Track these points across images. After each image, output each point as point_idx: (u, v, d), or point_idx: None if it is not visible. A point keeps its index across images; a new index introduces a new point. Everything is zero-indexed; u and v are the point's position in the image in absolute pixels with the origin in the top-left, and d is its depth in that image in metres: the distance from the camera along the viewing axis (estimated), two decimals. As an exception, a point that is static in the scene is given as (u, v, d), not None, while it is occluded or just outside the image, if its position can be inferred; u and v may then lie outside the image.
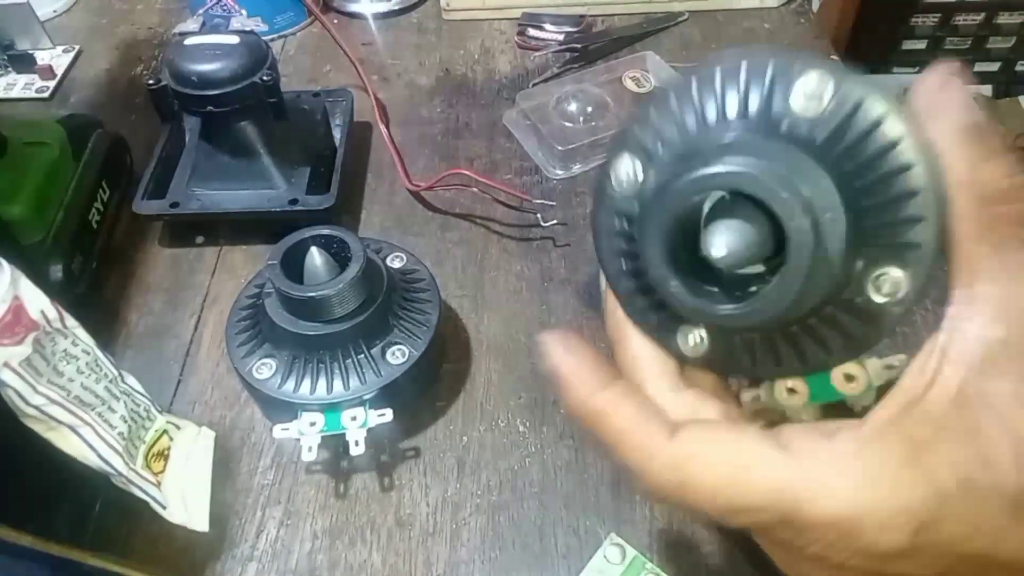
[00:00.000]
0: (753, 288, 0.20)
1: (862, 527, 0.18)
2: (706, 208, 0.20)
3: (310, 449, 0.37)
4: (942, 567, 0.18)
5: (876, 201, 0.19)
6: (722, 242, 0.19)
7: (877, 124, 0.18)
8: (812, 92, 0.19)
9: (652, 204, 0.20)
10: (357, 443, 0.37)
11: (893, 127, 0.18)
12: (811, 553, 0.19)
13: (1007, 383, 0.18)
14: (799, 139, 0.19)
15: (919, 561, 0.18)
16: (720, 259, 0.19)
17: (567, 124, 0.56)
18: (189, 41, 0.47)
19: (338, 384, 0.37)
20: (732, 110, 0.20)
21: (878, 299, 0.19)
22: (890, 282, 0.19)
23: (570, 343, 0.22)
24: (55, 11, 0.72)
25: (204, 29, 0.49)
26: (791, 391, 0.22)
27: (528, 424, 0.42)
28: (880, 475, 0.18)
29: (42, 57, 0.65)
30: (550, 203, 0.50)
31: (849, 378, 0.21)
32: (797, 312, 0.19)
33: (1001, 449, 0.17)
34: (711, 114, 0.21)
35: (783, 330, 0.21)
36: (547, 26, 0.66)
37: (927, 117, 0.19)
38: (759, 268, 0.20)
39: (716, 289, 0.20)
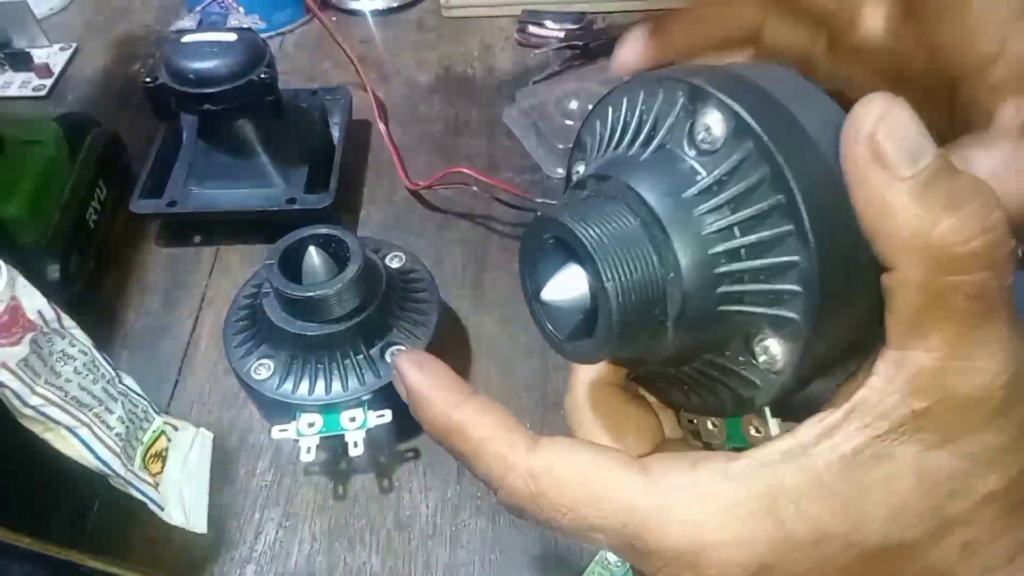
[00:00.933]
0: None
1: (702, 561, 0.18)
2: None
3: (308, 450, 0.36)
4: None
5: (753, 265, 0.17)
6: (552, 287, 0.19)
7: (761, 181, 0.17)
8: (708, 136, 0.18)
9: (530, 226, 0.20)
10: (356, 444, 0.37)
11: (779, 184, 0.17)
12: None
13: (910, 452, 0.17)
14: (677, 186, 0.18)
15: None
16: (548, 302, 0.19)
17: (568, 122, 0.56)
18: (186, 39, 0.47)
19: (337, 385, 0.37)
20: (631, 139, 0.19)
21: (757, 363, 0.18)
22: (767, 350, 0.18)
23: (424, 362, 0.22)
24: (52, 9, 0.71)
25: (201, 26, 0.49)
26: (714, 425, 0.22)
27: (528, 424, 0.41)
28: (732, 513, 0.18)
29: (39, 55, 0.65)
30: (551, 202, 0.50)
31: (756, 430, 0.21)
32: (646, 359, 0.19)
33: (877, 510, 0.17)
34: (615, 139, 0.20)
35: (677, 369, 0.20)
36: (548, 23, 0.66)
37: (866, 160, 0.16)
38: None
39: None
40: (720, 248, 0.17)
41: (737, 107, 0.17)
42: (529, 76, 0.63)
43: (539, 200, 0.49)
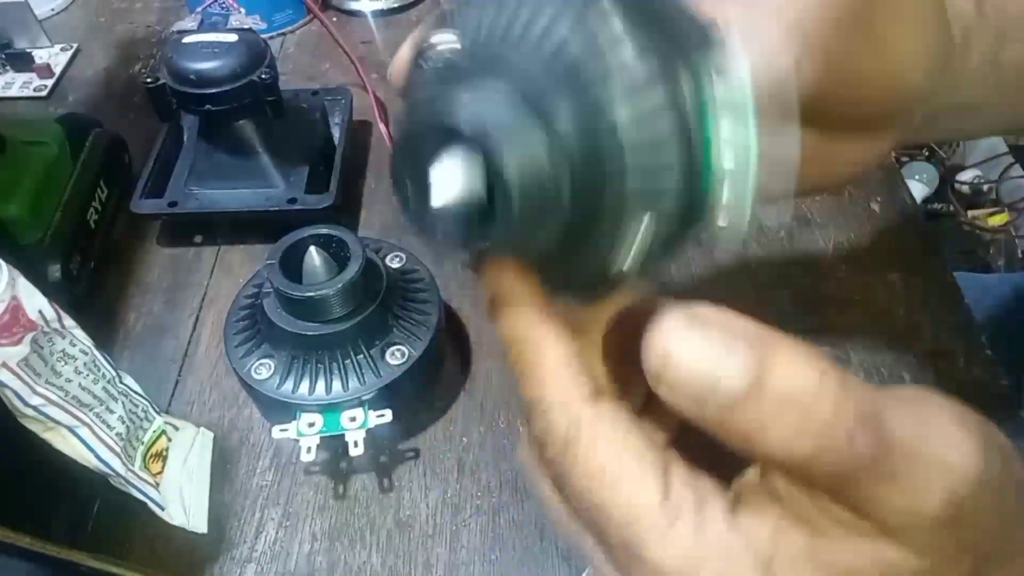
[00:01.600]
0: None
1: None
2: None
3: (309, 450, 0.36)
4: None
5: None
6: (437, 189, 0.16)
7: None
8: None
9: (409, 109, 0.18)
10: (356, 444, 0.37)
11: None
12: None
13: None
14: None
15: None
16: (441, 208, 0.16)
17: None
18: (187, 39, 0.47)
19: (337, 385, 0.37)
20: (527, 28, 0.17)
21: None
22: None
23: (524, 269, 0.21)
24: (53, 9, 0.71)
25: (202, 27, 0.49)
26: None
27: (528, 424, 0.41)
28: (729, 565, 0.18)
29: (40, 56, 0.65)
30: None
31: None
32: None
33: None
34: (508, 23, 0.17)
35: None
36: (547, 24, 0.66)
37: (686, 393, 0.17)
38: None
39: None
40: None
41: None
42: (529, 77, 0.63)
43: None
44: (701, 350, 0.16)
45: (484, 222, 0.17)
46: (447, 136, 0.16)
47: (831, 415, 0.16)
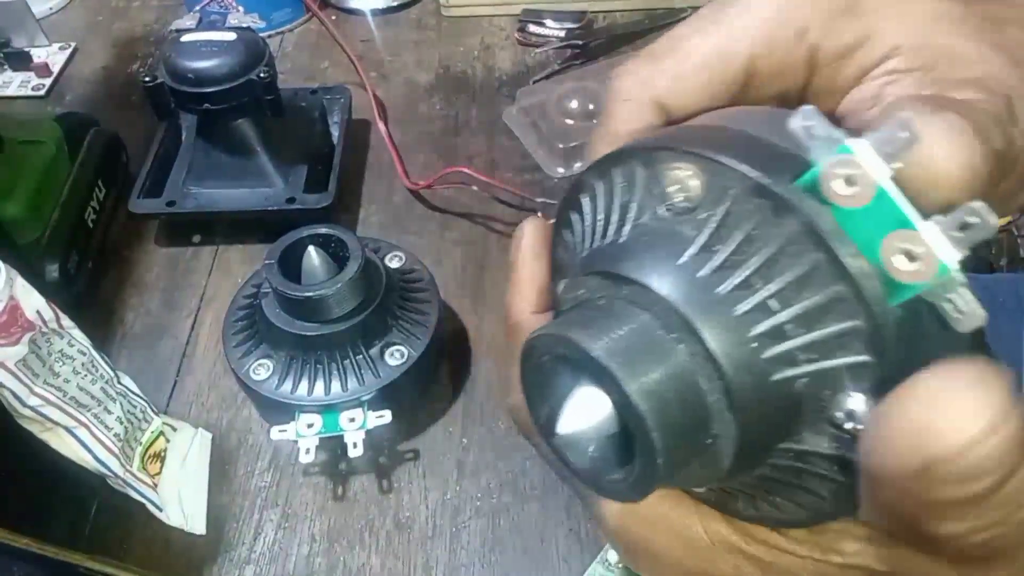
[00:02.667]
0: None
1: None
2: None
3: (308, 451, 0.36)
4: None
5: (808, 339, 0.14)
6: (567, 417, 0.15)
7: (790, 235, 0.14)
8: (682, 190, 0.15)
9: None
10: (355, 445, 0.36)
11: (813, 237, 0.14)
12: None
13: None
14: (676, 259, 0.15)
15: None
16: (567, 435, 0.15)
17: (568, 121, 0.56)
18: (186, 38, 0.47)
19: (336, 385, 0.37)
20: (608, 226, 0.17)
21: (842, 429, 0.14)
22: (849, 410, 0.14)
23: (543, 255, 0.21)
24: (51, 8, 0.71)
25: (201, 26, 0.49)
26: None
27: (528, 425, 0.41)
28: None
29: (38, 55, 0.65)
30: (551, 202, 0.50)
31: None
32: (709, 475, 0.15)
33: None
34: (594, 232, 0.17)
35: (739, 482, 0.16)
36: (548, 22, 0.66)
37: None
38: None
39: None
40: (760, 328, 0.14)
41: (705, 152, 0.15)
42: (529, 75, 0.63)
43: (539, 200, 0.49)
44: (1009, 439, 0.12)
45: (622, 455, 0.15)
46: (577, 364, 0.15)
47: None
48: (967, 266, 0.13)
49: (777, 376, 0.14)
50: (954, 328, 0.14)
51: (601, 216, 0.17)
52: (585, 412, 0.15)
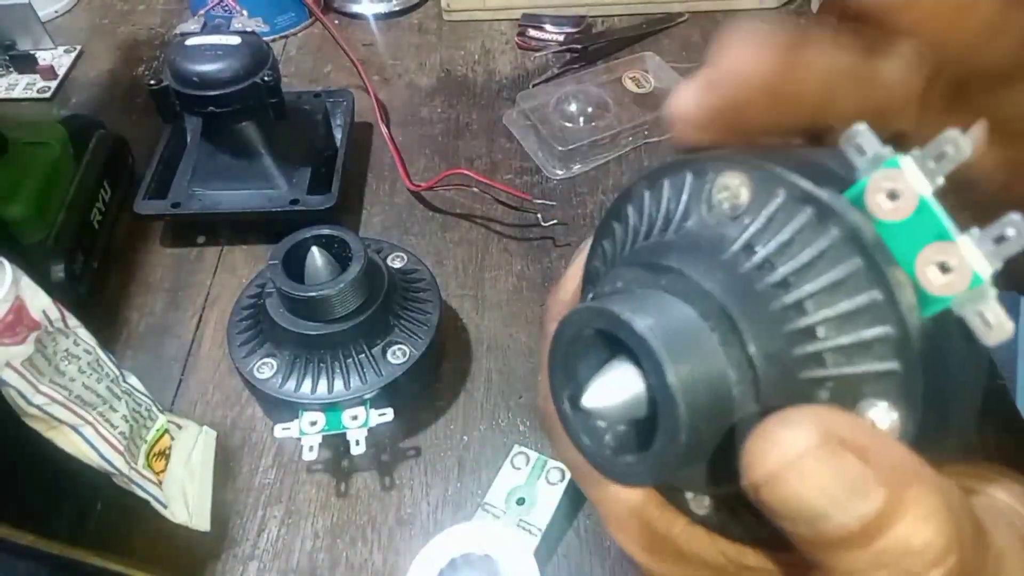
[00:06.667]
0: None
1: None
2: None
3: (311, 448, 0.37)
4: None
5: (838, 343, 0.14)
6: (597, 390, 0.15)
7: (835, 240, 0.14)
8: (729, 196, 0.16)
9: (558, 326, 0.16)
10: (358, 442, 0.37)
11: (857, 243, 0.14)
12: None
13: None
14: (722, 258, 0.15)
15: None
16: (591, 409, 0.15)
17: (567, 124, 0.56)
18: (190, 41, 0.47)
19: (339, 384, 0.37)
20: (655, 227, 0.17)
21: None
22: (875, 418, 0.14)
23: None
24: (56, 11, 0.72)
25: (205, 29, 0.49)
26: None
27: (529, 424, 0.42)
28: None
29: (43, 57, 0.65)
30: (550, 203, 0.50)
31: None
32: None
33: None
34: (641, 231, 0.17)
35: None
36: (547, 27, 0.66)
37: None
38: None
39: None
40: (794, 326, 0.14)
41: (756, 162, 0.15)
42: (529, 79, 0.63)
43: (538, 202, 0.50)
44: (826, 483, 0.13)
45: (637, 442, 0.15)
46: (617, 343, 0.15)
47: None
48: (997, 280, 0.13)
49: (805, 375, 0.14)
50: (982, 341, 0.14)
51: (646, 220, 0.17)
52: (615, 387, 0.15)
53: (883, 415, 0.14)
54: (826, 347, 0.14)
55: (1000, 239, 0.13)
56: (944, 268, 0.14)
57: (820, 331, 0.14)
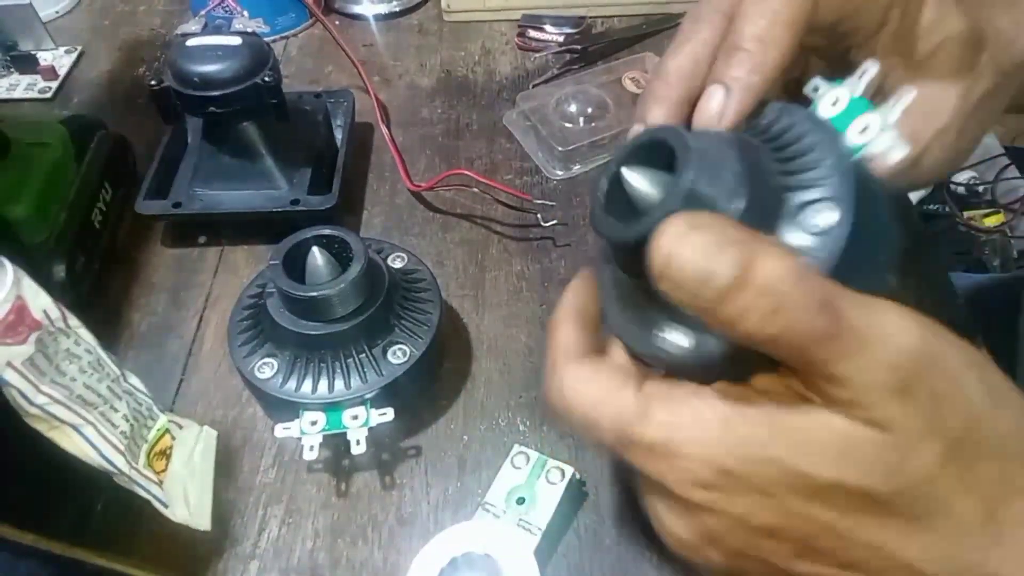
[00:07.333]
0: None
1: (678, 453, 0.22)
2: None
3: (312, 448, 0.37)
4: (742, 508, 0.22)
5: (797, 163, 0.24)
6: (636, 169, 0.24)
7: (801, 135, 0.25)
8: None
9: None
10: (358, 442, 0.37)
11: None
12: (645, 474, 0.23)
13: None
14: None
15: (722, 497, 0.22)
16: (627, 178, 0.24)
17: (567, 125, 0.57)
18: (191, 42, 0.47)
19: (339, 383, 0.38)
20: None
21: (812, 227, 0.23)
22: (818, 213, 0.23)
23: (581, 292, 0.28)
24: (57, 12, 0.72)
25: (206, 30, 0.49)
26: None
27: (528, 423, 0.42)
28: (710, 425, 0.22)
29: (44, 58, 0.65)
30: (550, 203, 0.50)
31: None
32: None
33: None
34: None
35: None
36: (547, 27, 0.67)
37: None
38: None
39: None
40: (775, 154, 0.24)
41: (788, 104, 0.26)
42: (529, 79, 0.63)
43: (538, 202, 0.50)
44: (697, 250, 0.20)
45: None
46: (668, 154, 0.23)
47: (798, 300, 0.20)
48: (888, 127, 0.25)
49: (775, 183, 0.23)
50: (883, 162, 0.25)
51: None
52: (649, 175, 0.24)
53: (827, 215, 0.22)
54: (792, 168, 0.23)
55: (894, 106, 0.25)
56: (862, 129, 0.25)
57: (790, 162, 0.24)
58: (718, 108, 0.26)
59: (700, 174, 0.22)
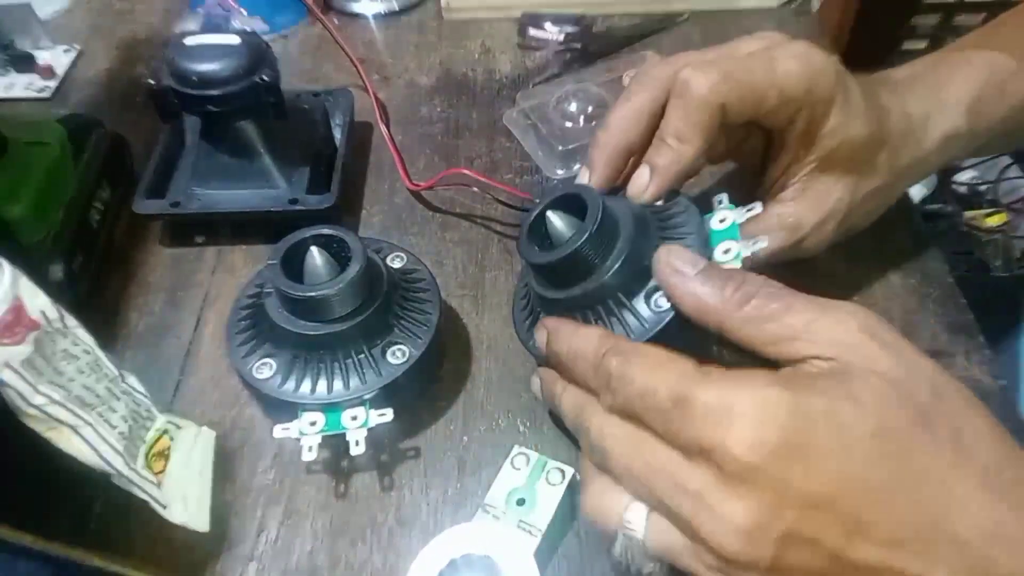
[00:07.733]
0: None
1: (732, 416, 0.25)
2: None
3: (310, 449, 0.37)
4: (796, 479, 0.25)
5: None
6: (558, 214, 0.35)
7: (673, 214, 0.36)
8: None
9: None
10: (357, 443, 0.37)
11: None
12: (698, 444, 0.26)
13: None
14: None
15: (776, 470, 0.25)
16: (551, 219, 0.36)
17: (567, 124, 0.56)
18: (189, 41, 0.47)
19: (338, 384, 0.37)
20: None
21: (650, 310, 0.33)
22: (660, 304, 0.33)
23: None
24: (55, 11, 0.72)
25: (204, 28, 0.49)
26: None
27: (528, 424, 0.42)
28: (765, 400, 0.26)
29: (42, 57, 0.65)
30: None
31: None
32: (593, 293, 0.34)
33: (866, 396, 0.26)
34: None
35: (594, 307, 0.34)
36: (547, 26, 0.66)
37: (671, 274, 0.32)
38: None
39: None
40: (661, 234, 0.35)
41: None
42: (529, 78, 0.63)
43: (538, 201, 0.50)
44: (696, 287, 0.31)
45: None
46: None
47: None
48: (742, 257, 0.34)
49: (652, 251, 0.33)
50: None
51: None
52: (566, 219, 0.35)
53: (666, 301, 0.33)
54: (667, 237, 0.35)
55: (753, 243, 0.34)
56: (726, 250, 0.34)
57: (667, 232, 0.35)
58: (644, 184, 0.36)
59: (601, 227, 0.33)
